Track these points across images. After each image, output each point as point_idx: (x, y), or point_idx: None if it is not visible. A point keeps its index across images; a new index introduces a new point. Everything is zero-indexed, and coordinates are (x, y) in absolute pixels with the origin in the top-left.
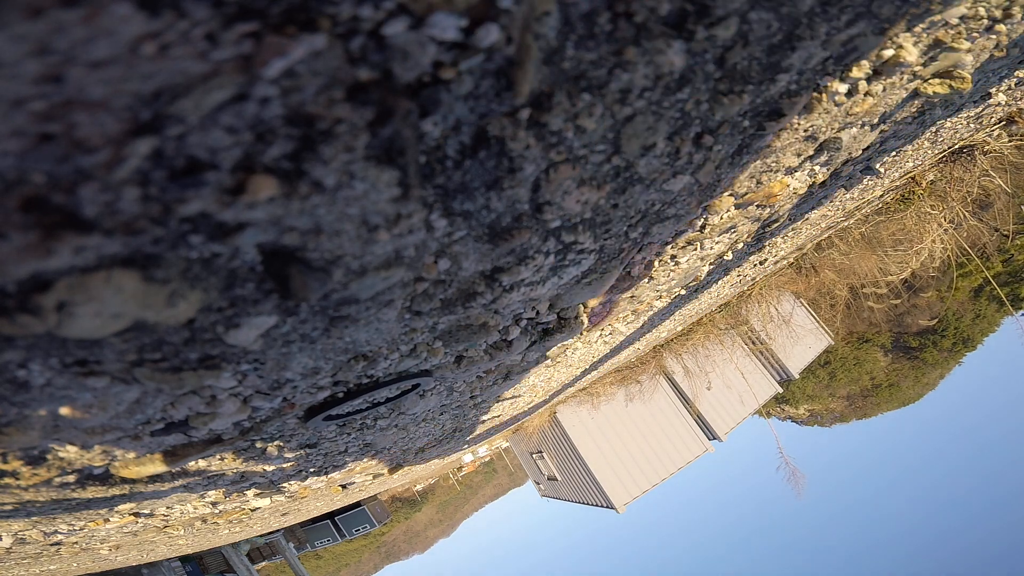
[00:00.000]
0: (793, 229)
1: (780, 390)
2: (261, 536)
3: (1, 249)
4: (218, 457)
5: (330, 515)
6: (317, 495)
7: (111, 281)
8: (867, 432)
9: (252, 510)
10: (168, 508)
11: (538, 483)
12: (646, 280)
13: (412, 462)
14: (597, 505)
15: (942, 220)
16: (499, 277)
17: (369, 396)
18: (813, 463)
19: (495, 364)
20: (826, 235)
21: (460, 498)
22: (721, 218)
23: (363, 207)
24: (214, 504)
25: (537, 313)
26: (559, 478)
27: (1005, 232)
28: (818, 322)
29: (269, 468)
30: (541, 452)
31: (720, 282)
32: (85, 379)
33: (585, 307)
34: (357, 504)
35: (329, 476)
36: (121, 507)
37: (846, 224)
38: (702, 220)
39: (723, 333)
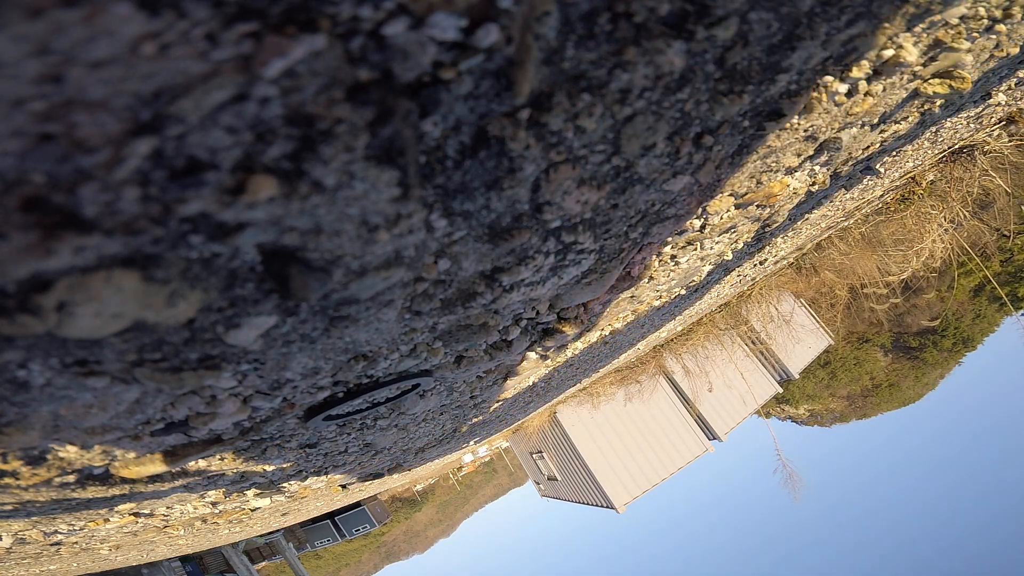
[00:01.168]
0: (793, 229)
1: (780, 390)
2: (261, 536)
3: (1, 249)
4: (218, 457)
5: (330, 515)
6: (317, 495)
7: (111, 281)
8: (867, 432)
9: (252, 510)
10: (168, 508)
11: (538, 483)
12: (646, 280)
13: (412, 463)
14: (597, 505)
15: (942, 220)
16: (499, 277)
17: (369, 396)
18: (813, 464)
19: (495, 364)
20: (826, 235)
21: (460, 498)
22: (721, 218)
23: (363, 207)
24: (214, 504)
25: (537, 313)
26: (559, 478)
27: (1006, 232)
28: (818, 322)
29: (269, 468)
30: (541, 452)
31: (720, 282)
32: (85, 379)
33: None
34: (357, 504)
35: (329, 476)
36: (121, 507)
37: (846, 224)
38: (702, 220)
39: (723, 333)
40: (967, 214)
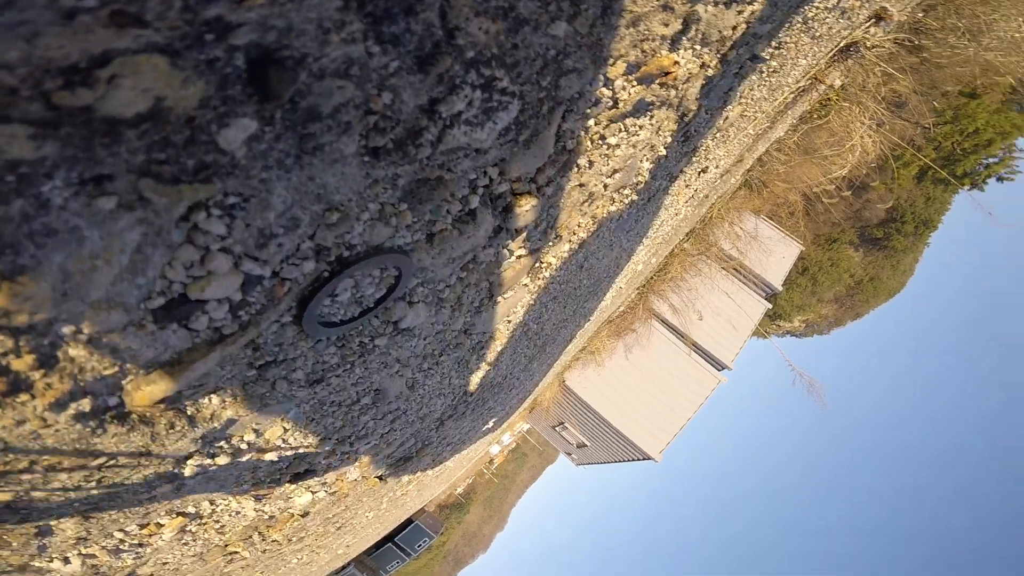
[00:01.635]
0: (719, 130)
1: (769, 305)
2: (336, 572)
3: (89, 38)
4: (230, 397)
5: (389, 538)
6: (358, 491)
7: (150, 61)
8: (868, 330)
9: (302, 515)
10: (212, 504)
11: (569, 454)
12: (585, 163)
13: (436, 443)
14: (634, 459)
15: (863, 119)
16: (437, 108)
17: (351, 277)
18: (826, 372)
19: (469, 247)
20: (763, 148)
21: (501, 490)
22: (628, 93)
23: (319, 12)
24: (256, 499)
25: (490, 180)
26: (588, 444)
27: (925, 125)
28: (783, 232)
29: (287, 427)
30: (563, 423)
31: (671, 192)
32: (96, 200)
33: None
34: (409, 521)
35: (358, 457)
36: (160, 491)
37: (777, 135)
38: (611, 91)
39: (697, 259)
40: (884, 112)
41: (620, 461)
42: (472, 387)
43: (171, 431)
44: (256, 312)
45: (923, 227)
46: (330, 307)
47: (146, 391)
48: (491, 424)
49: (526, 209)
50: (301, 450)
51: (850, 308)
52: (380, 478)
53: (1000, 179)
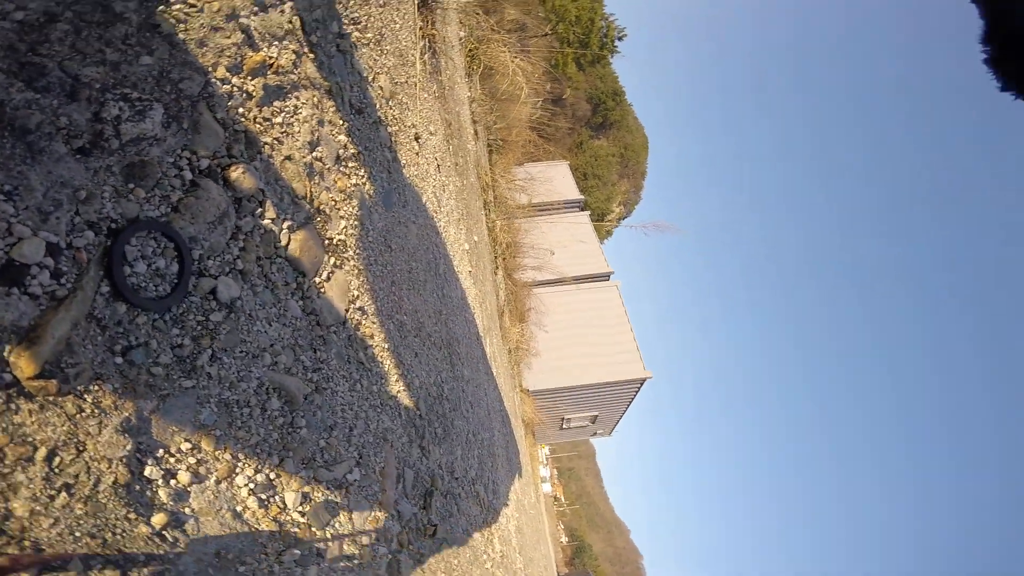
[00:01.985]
0: (388, 99)
1: (588, 212)
2: None
3: None
4: (118, 385)
5: None
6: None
7: None
8: (660, 177)
9: None
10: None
11: (596, 434)
12: (271, 139)
13: (449, 479)
14: (636, 391)
15: (503, 50)
16: (103, 116)
17: (128, 244)
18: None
19: (215, 211)
20: (465, 110)
21: (590, 506)
22: (251, 85)
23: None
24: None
25: (189, 159)
26: (598, 413)
27: (547, 32)
28: (546, 162)
29: (225, 450)
30: (563, 418)
31: (406, 162)
32: None
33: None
34: None
35: (377, 498)
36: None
37: (464, 95)
38: (231, 87)
39: (510, 222)
40: (514, 39)
41: (631, 401)
42: (405, 400)
43: (82, 415)
44: (75, 278)
45: (617, 96)
46: (137, 279)
47: (26, 356)
48: (500, 456)
49: (240, 173)
50: (269, 473)
51: (634, 172)
52: (434, 529)
53: (620, 38)
